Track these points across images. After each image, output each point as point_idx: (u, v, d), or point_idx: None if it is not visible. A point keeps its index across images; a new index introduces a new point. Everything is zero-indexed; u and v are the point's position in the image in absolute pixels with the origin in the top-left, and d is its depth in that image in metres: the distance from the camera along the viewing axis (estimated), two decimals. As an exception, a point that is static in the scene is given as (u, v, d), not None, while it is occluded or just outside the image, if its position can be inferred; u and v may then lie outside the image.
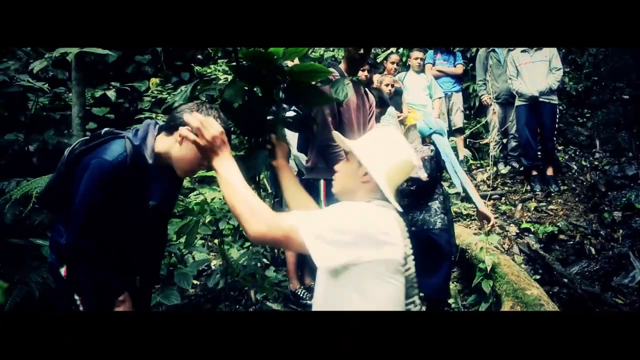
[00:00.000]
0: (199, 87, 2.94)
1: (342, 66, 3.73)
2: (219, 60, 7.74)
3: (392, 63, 6.83)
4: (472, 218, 5.80)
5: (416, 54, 7.14)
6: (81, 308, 2.36)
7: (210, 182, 7.47)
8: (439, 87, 7.39)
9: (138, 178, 2.31)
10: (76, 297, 2.38)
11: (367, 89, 3.98)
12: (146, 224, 2.52)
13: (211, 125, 1.80)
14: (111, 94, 6.30)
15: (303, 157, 4.49)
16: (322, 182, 3.58)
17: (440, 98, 7.28)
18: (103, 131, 2.41)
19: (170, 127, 2.30)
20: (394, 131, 2.03)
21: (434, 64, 7.73)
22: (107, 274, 2.31)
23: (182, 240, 3.88)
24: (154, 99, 7.95)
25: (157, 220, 2.61)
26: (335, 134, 2.05)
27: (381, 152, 1.88)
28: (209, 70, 7.83)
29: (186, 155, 2.26)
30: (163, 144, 2.32)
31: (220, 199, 5.14)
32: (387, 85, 6.22)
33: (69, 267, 2.37)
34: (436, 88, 7.25)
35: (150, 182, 2.41)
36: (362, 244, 1.65)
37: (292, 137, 4.55)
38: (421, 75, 7.18)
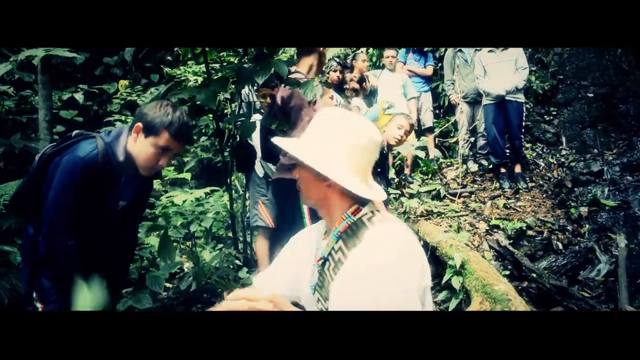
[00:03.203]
0: (171, 90, 2.96)
1: (303, 69, 3.74)
2: (188, 62, 7.71)
3: (363, 61, 6.89)
4: (443, 216, 5.88)
5: (388, 52, 7.19)
6: None
7: (182, 184, 7.43)
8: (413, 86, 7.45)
9: (109, 177, 2.35)
10: (38, 305, 2.36)
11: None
12: (116, 225, 2.52)
13: (261, 308, 1.43)
14: (79, 96, 6.24)
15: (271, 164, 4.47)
16: None
17: (414, 98, 7.34)
18: (74, 133, 2.43)
19: (130, 126, 2.37)
20: (333, 111, 1.65)
21: (405, 63, 7.80)
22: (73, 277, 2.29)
23: (154, 243, 3.86)
24: (123, 101, 7.88)
25: (127, 222, 2.61)
26: (276, 140, 1.65)
27: (334, 146, 1.54)
28: (178, 72, 7.79)
29: (141, 151, 2.33)
30: (129, 144, 2.37)
31: (191, 201, 5.12)
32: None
33: (37, 275, 2.36)
34: (410, 87, 7.30)
35: (121, 183, 2.44)
36: (421, 288, 1.46)
37: (258, 142, 4.54)
38: (395, 74, 7.23)
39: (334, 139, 1.54)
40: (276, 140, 1.64)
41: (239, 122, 3.58)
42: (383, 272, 1.37)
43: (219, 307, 1.45)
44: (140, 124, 2.31)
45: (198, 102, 3.11)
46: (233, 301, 1.43)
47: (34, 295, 2.36)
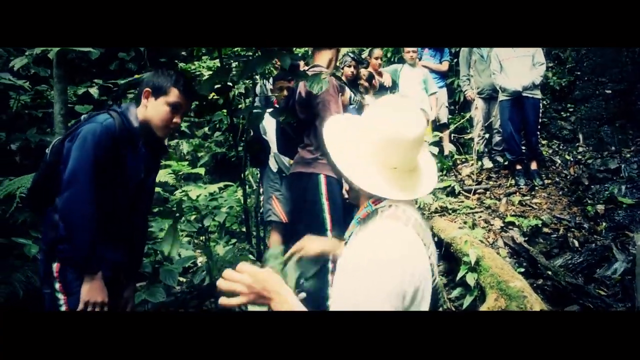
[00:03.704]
0: None
1: (323, 63, 3.71)
2: (202, 57, 7.72)
3: (376, 58, 6.84)
4: (457, 212, 5.84)
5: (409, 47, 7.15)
6: (64, 308, 2.36)
7: (196, 179, 7.45)
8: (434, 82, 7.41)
9: (127, 143, 2.47)
10: (60, 296, 2.37)
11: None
12: (126, 207, 2.57)
13: (239, 279, 1.46)
14: (94, 91, 6.27)
15: (285, 158, 4.45)
16: (322, 176, 3.54)
17: (435, 93, 7.29)
18: (82, 117, 2.55)
19: (138, 97, 2.54)
20: (375, 106, 1.59)
21: (420, 59, 7.75)
22: (93, 256, 2.31)
23: (168, 247, 3.88)
24: (138, 96, 7.89)
25: (137, 204, 2.64)
26: (332, 120, 1.68)
27: (357, 141, 1.54)
28: (193, 67, 7.80)
29: (156, 113, 2.51)
30: (139, 114, 2.54)
31: (205, 195, 5.13)
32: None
33: (60, 265, 2.37)
34: (431, 83, 7.25)
35: (138, 150, 2.55)
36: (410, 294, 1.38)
37: (272, 136, 4.54)
38: (416, 69, 7.18)
39: (358, 135, 1.55)
40: (331, 120, 1.67)
41: (254, 113, 3.58)
42: (359, 268, 1.36)
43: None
44: (148, 89, 2.50)
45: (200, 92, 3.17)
46: (226, 273, 1.48)
47: (57, 286, 2.36)
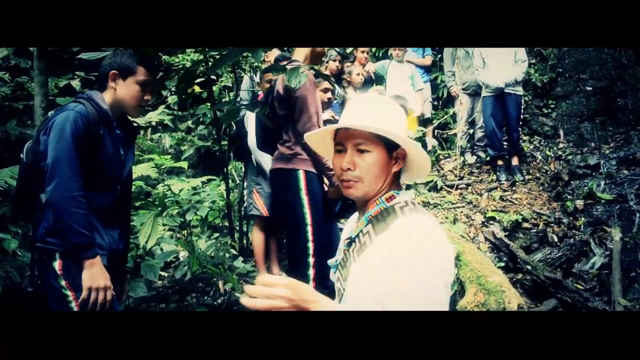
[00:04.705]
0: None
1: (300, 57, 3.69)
2: (187, 50, 7.67)
3: (362, 52, 6.83)
4: (439, 207, 5.88)
5: None
6: (73, 304, 2.34)
7: (179, 173, 7.42)
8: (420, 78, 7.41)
9: (102, 129, 2.44)
10: (69, 293, 2.35)
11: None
12: (113, 186, 2.57)
13: (277, 294, 1.26)
14: (76, 83, 6.22)
15: (265, 156, 4.40)
16: (301, 172, 3.53)
17: (421, 90, 7.29)
18: (49, 113, 2.55)
19: (101, 81, 2.52)
20: (380, 96, 1.69)
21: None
22: (88, 242, 2.31)
23: (144, 238, 3.85)
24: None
25: (121, 185, 2.65)
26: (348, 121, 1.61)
27: (403, 127, 1.59)
28: (177, 60, 7.76)
29: (127, 93, 2.51)
30: (106, 98, 2.50)
31: (188, 189, 5.11)
32: (357, 74, 6.27)
33: (63, 261, 2.34)
34: (418, 79, 7.24)
35: (114, 134, 2.53)
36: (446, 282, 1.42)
37: (252, 134, 4.50)
38: (404, 66, 7.16)
39: (398, 121, 1.58)
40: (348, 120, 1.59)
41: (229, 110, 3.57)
42: (408, 262, 1.37)
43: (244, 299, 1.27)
44: (114, 71, 2.48)
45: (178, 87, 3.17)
46: (253, 288, 1.28)
47: (64, 283, 2.33)
